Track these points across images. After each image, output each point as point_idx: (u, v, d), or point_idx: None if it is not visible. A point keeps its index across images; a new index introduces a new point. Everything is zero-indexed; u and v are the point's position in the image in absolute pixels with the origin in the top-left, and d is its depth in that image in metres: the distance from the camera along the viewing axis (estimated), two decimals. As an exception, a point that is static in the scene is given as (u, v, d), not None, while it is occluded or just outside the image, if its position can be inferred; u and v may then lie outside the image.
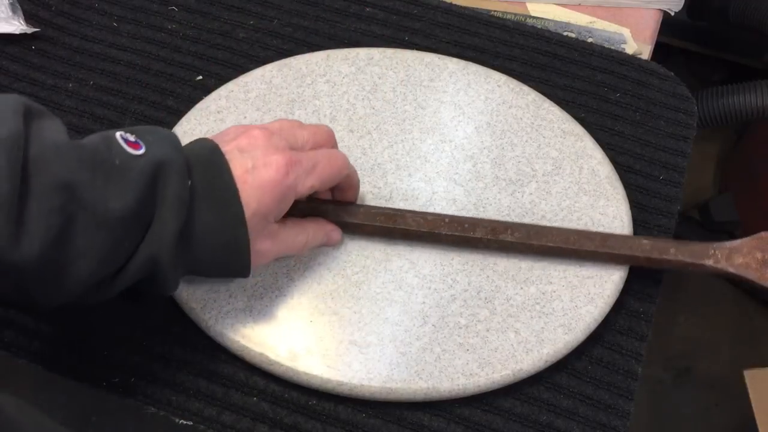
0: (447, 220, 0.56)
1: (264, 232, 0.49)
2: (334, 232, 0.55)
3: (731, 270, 0.54)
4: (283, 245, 0.51)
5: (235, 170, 0.47)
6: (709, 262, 0.54)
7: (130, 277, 0.45)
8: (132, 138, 0.46)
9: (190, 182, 0.46)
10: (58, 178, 0.41)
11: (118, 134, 0.45)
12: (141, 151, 0.45)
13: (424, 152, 0.61)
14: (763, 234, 0.55)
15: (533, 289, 0.55)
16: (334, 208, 0.55)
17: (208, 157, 0.48)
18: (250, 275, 0.50)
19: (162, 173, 0.45)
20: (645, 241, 0.55)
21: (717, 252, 0.54)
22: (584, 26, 0.71)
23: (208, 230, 0.46)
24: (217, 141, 0.50)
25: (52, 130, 0.44)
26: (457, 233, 0.55)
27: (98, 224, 0.42)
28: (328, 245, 0.55)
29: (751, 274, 0.54)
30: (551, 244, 0.55)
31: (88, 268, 0.43)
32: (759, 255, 0.54)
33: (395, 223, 0.55)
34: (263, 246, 0.50)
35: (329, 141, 0.55)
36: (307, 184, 0.50)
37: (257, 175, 0.48)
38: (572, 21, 0.72)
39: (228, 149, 0.49)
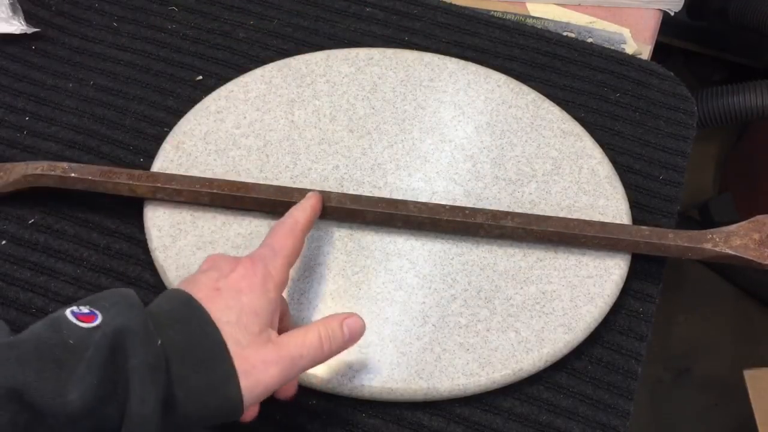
0: (448, 207, 0.56)
1: (262, 338, 0.44)
2: (350, 319, 0.47)
3: (730, 251, 0.54)
4: (290, 349, 0.44)
5: (204, 289, 0.44)
6: (708, 246, 0.54)
7: None
8: (85, 310, 0.41)
9: (160, 342, 0.40)
10: (1, 389, 0.36)
11: (68, 311, 0.40)
12: (96, 322, 0.40)
13: (424, 152, 0.61)
14: (758, 217, 0.56)
15: (533, 289, 0.55)
16: (337, 195, 0.56)
17: (183, 311, 0.43)
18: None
19: (121, 343, 0.39)
20: (644, 228, 0.56)
21: (715, 236, 0.55)
22: (584, 26, 0.71)
23: (200, 397, 0.41)
24: (183, 287, 0.45)
25: None
26: (458, 219, 0.55)
27: (60, 422, 0.37)
28: (355, 337, 0.47)
29: (750, 254, 0.54)
30: (552, 229, 0.55)
31: None
32: (756, 236, 0.55)
33: (397, 209, 0.55)
34: (264, 355, 0.43)
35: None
36: (279, 266, 0.47)
37: (229, 281, 0.45)
38: (572, 21, 0.72)
39: (191, 279, 0.46)
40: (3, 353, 0.38)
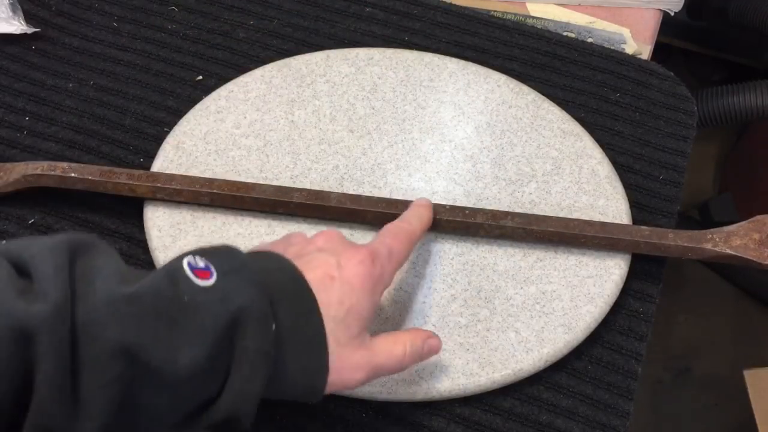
0: (448, 207, 0.56)
1: (357, 341, 0.44)
2: (432, 339, 0.48)
3: (730, 251, 0.54)
4: (378, 358, 0.45)
5: (320, 272, 0.44)
6: (708, 246, 0.54)
7: (206, 428, 0.40)
8: (201, 264, 0.40)
9: (274, 326, 0.40)
10: (113, 344, 0.36)
11: (185, 262, 0.40)
12: (211, 281, 0.39)
13: (424, 152, 0.61)
14: (758, 217, 0.56)
15: (533, 289, 0.55)
16: (337, 195, 0.56)
17: (292, 290, 0.43)
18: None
19: (241, 323, 0.39)
20: (644, 228, 0.56)
21: (715, 236, 0.55)
22: (584, 26, 0.71)
23: (289, 381, 0.42)
24: (293, 250, 0.46)
25: (103, 275, 0.38)
26: (458, 219, 0.55)
27: (165, 383, 0.38)
28: (428, 356, 0.48)
29: (750, 254, 0.54)
30: (552, 229, 0.55)
31: (156, 425, 0.39)
32: (756, 236, 0.55)
33: (397, 209, 0.56)
34: (357, 359, 0.44)
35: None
36: (390, 270, 0.47)
37: (345, 272, 0.44)
38: (572, 21, 0.72)
39: (307, 252, 0.46)
40: (124, 307, 0.37)
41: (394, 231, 0.50)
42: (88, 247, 0.39)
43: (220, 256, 0.41)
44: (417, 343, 0.47)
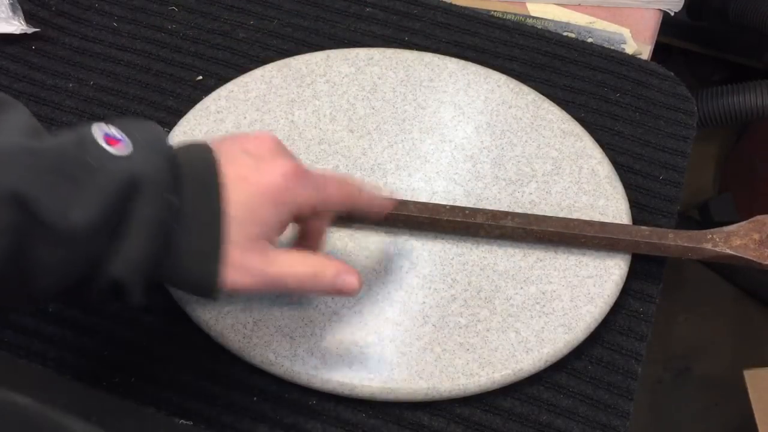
0: (448, 207, 0.56)
1: (255, 246, 0.43)
2: (350, 276, 0.46)
3: (730, 251, 0.54)
4: (274, 268, 0.44)
5: (235, 170, 0.43)
6: (708, 246, 0.54)
7: (95, 294, 0.42)
8: (117, 134, 0.40)
9: (173, 197, 0.41)
10: (4, 190, 0.36)
11: (98, 130, 0.40)
12: (124, 152, 0.40)
13: (424, 152, 0.61)
14: (758, 217, 0.56)
15: (533, 289, 0.55)
16: None
17: (203, 175, 0.43)
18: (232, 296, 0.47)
19: (139, 189, 0.39)
20: (644, 228, 0.56)
21: (715, 236, 0.55)
22: (584, 26, 0.71)
23: (182, 263, 0.42)
24: (219, 145, 0.45)
25: (11, 127, 0.39)
26: (458, 219, 0.55)
27: (57, 239, 0.38)
28: (342, 293, 0.46)
29: (750, 254, 0.54)
30: (552, 229, 0.55)
31: (50, 282, 0.39)
32: (756, 236, 0.55)
33: (397, 209, 0.56)
34: (250, 262, 0.43)
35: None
36: (309, 199, 0.45)
37: (261, 178, 0.43)
38: (572, 21, 0.72)
39: (232, 150, 0.45)
40: (21, 158, 0.37)
41: (342, 183, 0.48)
42: (2, 103, 0.40)
43: (138, 129, 0.42)
44: (327, 272, 0.45)
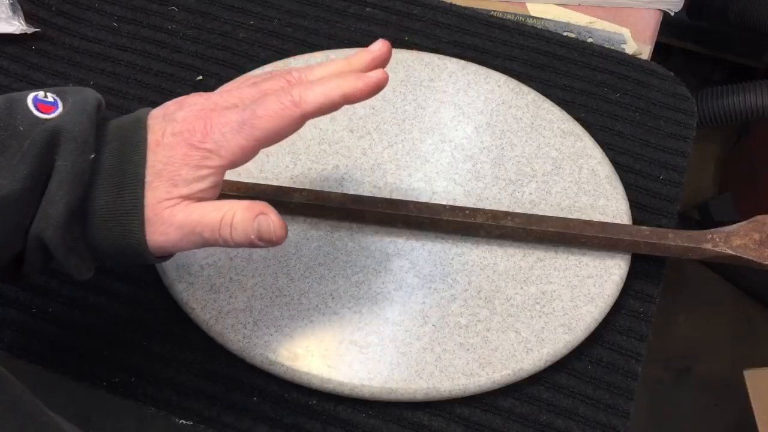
0: (448, 207, 0.56)
1: (176, 202, 0.42)
2: (268, 215, 0.43)
3: (730, 251, 0.54)
4: (193, 217, 0.42)
5: (151, 137, 0.42)
6: (708, 246, 0.54)
7: (30, 260, 0.41)
8: (50, 99, 0.41)
9: (93, 156, 0.41)
10: None
11: (31, 97, 0.41)
12: (53, 114, 0.40)
13: (424, 152, 0.61)
14: (758, 217, 0.56)
15: (533, 289, 0.55)
16: (337, 195, 0.56)
17: (128, 130, 0.42)
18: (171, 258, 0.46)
19: (57, 142, 0.40)
20: (644, 228, 0.56)
21: (715, 236, 0.55)
22: (584, 26, 0.71)
23: (100, 216, 0.41)
24: (156, 110, 0.44)
25: None
26: (458, 219, 0.55)
27: None
28: (262, 239, 0.43)
29: (750, 254, 0.54)
30: (552, 229, 0.55)
31: None
32: (756, 236, 0.55)
33: (397, 209, 0.56)
34: (169, 216, 0.42)
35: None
36: (232, 146, 0.42)
37: (170, 139, 0.42)
38: (572, 21, 0.72)
39: (156, 115, 0.44)
40: None
41: (274, 101, 0.43)
42: None
43: (73, 94, 0.42)
44: (246, 215, 0.42)
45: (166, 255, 0.45)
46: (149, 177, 0.42)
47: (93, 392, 0.52)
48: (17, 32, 0.67)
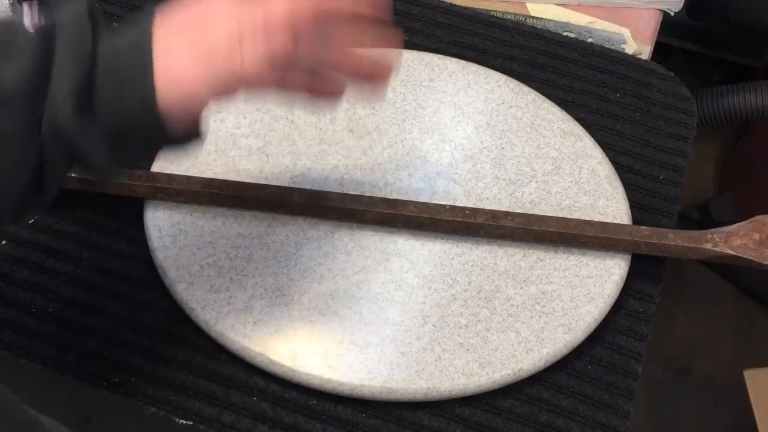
0: (448, 207, 0.56)
1: (187, 45, 0.40)
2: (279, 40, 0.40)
3: (730, 251, 0.54)
4: (205, 41, 0.40)
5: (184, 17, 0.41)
6: (708, 246, 0.54)
7: (50, 161, 0.41)
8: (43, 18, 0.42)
9: (91, 35, 0.40)
10: None
11: (25, 10, 0.42)
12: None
13: (424, 152, 0.61)
14: (758, 217, 0.56)
15: (533, 289, 0.55)
16: (337, 195, 0.56)
17: (134, 25, 0.41)
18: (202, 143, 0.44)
19: (58, 30, 0.40)
20: (644, 228, 0.56)
21: (715, 236, 0.55)
22: (584, 26, 0.71)
23: (108, 90, 0.40)
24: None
25: None
26: (458, 219, 0.55)
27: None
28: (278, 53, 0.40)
29: (750, 254, 0.54)
30: (552, 229, 0.55)
31: (7, 155, 0.39)
32: (756, 236, 0.55)
33: (397, 209, 0.56)
34: (179, 48, 0.40)
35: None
36: (257, 56, 0.40)
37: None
38: (572, 21, 0.72)
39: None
40: None
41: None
42: None
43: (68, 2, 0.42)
44: (253, 20, 0.40)
45: (182, 120, 0.42)
46: (157, 22, 0.41)
47: (93, 392, 0.52)
48: (17, 32, 0.67)
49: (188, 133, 0.43)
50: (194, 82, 0.40)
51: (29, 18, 0.41)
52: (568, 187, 0.60)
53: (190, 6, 0.42)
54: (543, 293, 0.55)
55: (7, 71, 0.39)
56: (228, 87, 0.41)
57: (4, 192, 0.40)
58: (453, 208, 0.56)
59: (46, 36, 0.40)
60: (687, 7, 0.75)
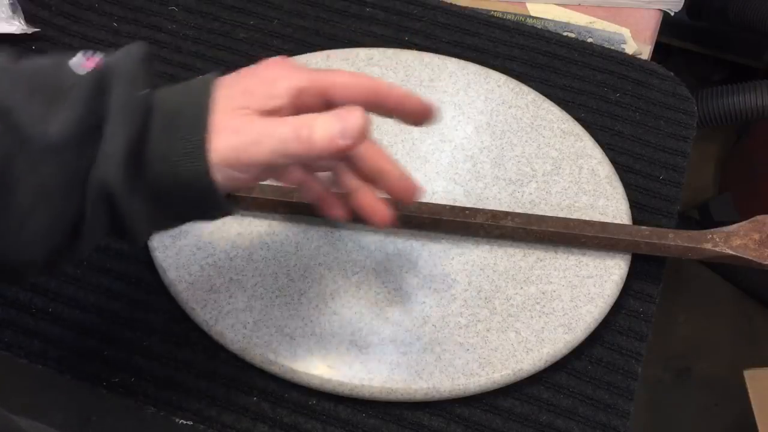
0: (448, 207, 0.56)
1: (241, 111, 0.40)
2: (353, 117, 0.40)
3: (730, 251, 0.54)
4: (266, 126, 0.40)
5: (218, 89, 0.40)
6: (708, 246, 0.54)
7: (92, 217, 0.38)
8: (97, 57, 0.39)
9: (148, 90, 0.39)
10: None
11: (78, 55, 0.39)
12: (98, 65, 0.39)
13: (424, 152, 0.61)
14: (758, 217, 0.56)
15: (533, 289, 0.55)
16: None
17: (196, 82, 0.40)
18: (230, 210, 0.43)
19: (106, 81, 0.38)
20: (644, 228, 0.56)
21: (715, 236, 0.55)
22: (584, 26, 0.71)
23: (161, 149, 0.38)
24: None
25: None
26: (458, 219, 0.55)
27: (41, 152, 0.37)
28: (348, 133, 0.40)
29: (750, 254, 0.54)
30: (552, 229, 0.55)
31: (41, 209, 0.37)
32: (756, 236, 0.55)
33: (397, 209, 0.56)
34: (234, 123, 0.39)
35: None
36: (306, 79, 0.42)
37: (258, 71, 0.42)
38: (572, 21, 0.72)
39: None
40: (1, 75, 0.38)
41: (358, 75, 0.43)
42: None
43: (122, 49, 0.41)
44: (327, 116, 0.40)
45: (234, 188, 0.41)
46: (216, 94, 0.40)
47: (93, 392, 0.52)
48: (17, 32, 0.67)
49: (226, 203, 0.41)
50: (241, 150, 0.39)
51: (80, 59, 0.39)
52: (568, 187, 0.60)
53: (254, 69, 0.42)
54: (543, 293, 0.55)
55: (55, 119, 0.37)
56: (290, 158, 0.40)
57: (35, 249, 0.38)
58: (453, 208, 0.56)
59: (99, 82, 0.38)
60: (687, 7, 0.75)
